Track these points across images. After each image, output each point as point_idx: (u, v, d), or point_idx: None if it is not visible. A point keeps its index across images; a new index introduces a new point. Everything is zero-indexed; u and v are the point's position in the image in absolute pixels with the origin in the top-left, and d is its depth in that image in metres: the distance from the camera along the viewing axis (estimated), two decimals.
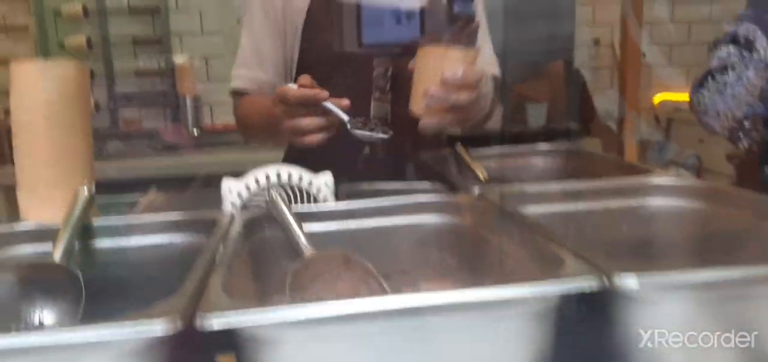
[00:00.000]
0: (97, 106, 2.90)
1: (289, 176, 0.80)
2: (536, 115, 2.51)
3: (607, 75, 3.37)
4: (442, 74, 0.85)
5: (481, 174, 1.12)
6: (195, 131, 2.89)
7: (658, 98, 3.34)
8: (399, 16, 0.94)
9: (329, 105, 0.90)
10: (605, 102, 3.16)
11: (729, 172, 2.53)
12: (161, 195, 1.13)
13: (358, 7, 1.02)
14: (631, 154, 1.28)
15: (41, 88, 0.72)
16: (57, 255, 0.67)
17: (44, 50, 2.84)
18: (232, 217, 0.75)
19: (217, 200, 1.30)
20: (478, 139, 2.36)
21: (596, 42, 3.30)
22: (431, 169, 1.08)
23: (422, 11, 1.04)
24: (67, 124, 0.74)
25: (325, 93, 0.90)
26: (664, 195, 0.84)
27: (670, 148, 3.27)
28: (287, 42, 1.17)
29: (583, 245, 0.57)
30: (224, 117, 3.02)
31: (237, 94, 1.21)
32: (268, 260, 0.74)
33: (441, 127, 0.93)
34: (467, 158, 1.17)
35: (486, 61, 1.21)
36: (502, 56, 2.53)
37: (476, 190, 0.84)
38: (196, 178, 2.35)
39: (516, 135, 2.46)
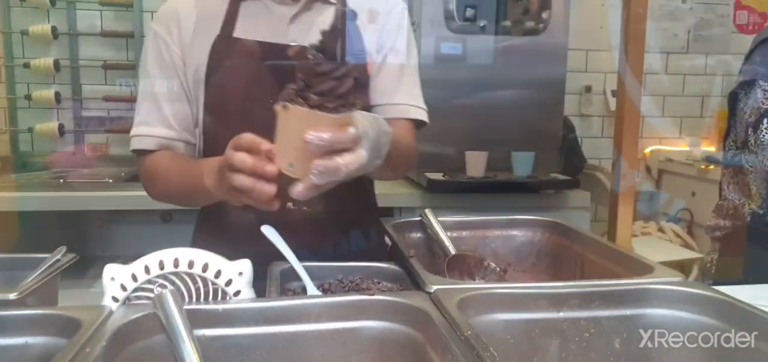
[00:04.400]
0: (61, 130, 2.75)
1: (190, 263, 0.62)
2: (523, 164, 2.35)
3: (598, 123, 3.26)
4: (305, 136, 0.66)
5: (449, 248, 0.95)
6: None
7: (650, 149, 3.27)
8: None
9: None
10: (595, 151, 3.06)
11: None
12: (69, 257, 0.95)
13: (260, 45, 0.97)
14: (625, 212, 1.11)
15: None
16: None
17: (9, 71, 2.69)
18: (106, 318, 0.57)
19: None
20: (453, 186, 2.24)
21: (588, 89, 3.19)
22: (391, 243, 0.90)
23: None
24: None
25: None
26: (669, 304, 0.67)
27: (660, 198, 3.20)
28: (191, 92, 1.03)
29: None
30: None
31: (140, 154, 1.05)
32: None
33: (316, 191, 0.72)
34: (436, 227, 1.00)
35: (407, 104, 1.07)
36: (488, 101, 2.41)
37: (432, 288, 0.67)
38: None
39: (500, 184, 2.29)
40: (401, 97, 1.07)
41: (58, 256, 0.97)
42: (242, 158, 0.71)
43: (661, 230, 2.90)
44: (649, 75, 3.26)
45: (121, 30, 2.76)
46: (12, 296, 0.81)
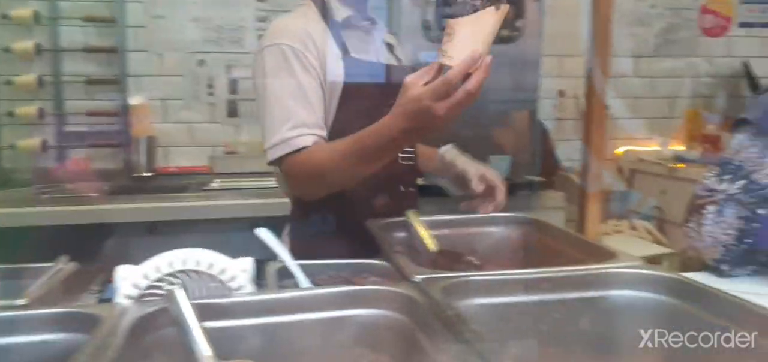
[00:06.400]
0: (44, 146, 2.76)
1: (197, 263, 0.68)
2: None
3: (572, 126, 3.36)
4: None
5: (431, 245, 1.02)
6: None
7: (621, 150, 3.37)
8: None
9: None
10: (570, 153, 3.16)
11: None
12: (71, 265, 1.00)
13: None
14: (593, 208, 1.19)
15: None
16: None
17: None
18: (122, 313, 0.63)
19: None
20: (435, 191, 2.30)
21: (561, 93, 3.29)
22: (383, 241, 0.97)
23: None
24: None
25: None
26: (629, 286, 0.74)
27: (632, 197, 3.30)
28: (327, 101, 1.20)
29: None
30: (179, 159, 2.91)
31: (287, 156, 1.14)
32: None
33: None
34: (418, 226, 1.07)
35: None
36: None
37: (417, 278, 0.73)
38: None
39: None
40: None
41: (61, 265, 1.03)
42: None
43: (633, 228, 3.00)
44: (621, 78, 3.38)
45: (105, 45, 2.80)
46: (20, 302, 0.86)
